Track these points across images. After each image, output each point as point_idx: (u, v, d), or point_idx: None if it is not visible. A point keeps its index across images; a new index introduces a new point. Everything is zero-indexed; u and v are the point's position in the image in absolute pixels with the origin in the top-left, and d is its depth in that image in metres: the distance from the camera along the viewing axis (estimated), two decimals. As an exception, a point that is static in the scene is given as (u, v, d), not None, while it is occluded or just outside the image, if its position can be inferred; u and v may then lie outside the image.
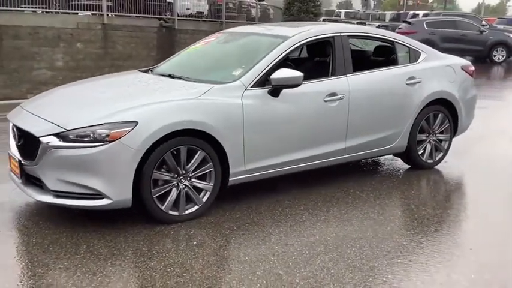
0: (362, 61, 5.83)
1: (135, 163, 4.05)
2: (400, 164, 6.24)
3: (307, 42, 5.19)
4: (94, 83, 5.33)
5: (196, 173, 4.42)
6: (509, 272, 3.74)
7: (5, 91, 12.56)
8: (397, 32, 20.15)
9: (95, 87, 5.10)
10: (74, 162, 4.00)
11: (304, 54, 6.12)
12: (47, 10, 14.16)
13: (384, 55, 5.99)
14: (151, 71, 5.45)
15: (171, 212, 4.32)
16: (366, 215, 4.65)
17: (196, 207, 4.44)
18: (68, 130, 4.05)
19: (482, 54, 20.64)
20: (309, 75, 5.22)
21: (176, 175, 4.32)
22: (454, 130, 6.17)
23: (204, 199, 4.47)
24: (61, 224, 4.29)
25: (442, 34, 19.98)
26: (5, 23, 12.94)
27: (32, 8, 14.27)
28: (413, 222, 4.53)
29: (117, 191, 4.04)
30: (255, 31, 5.64)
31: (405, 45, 5.91)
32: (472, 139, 7.34)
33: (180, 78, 4.94)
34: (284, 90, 4.75)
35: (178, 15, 17.25)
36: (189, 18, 18.37)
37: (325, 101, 5.05)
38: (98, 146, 3.99)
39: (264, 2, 23.83)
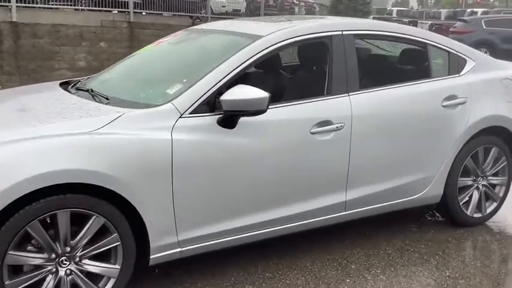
0: (377, 72, 3.91)
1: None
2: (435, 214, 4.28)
3: (288, 44, 3.28)
4: None
5: (91, 251, 2.70)
6: None
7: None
8: (451, 32, 17.69)
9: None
10: None
11: (291, 62, 4.25)
12: (69, 7, 12.82)
13: (412, 63, 4.01)
14: (78, 82, 3.72)
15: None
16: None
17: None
18: None
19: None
20: (290, 94, 3.39)
21: (56, 256, 2.62)
22: (514, 170, 4.12)
23: (106, 290, 2.75)
24: None
25: (503, 34, 16.87)
26: (23, 20, 11.70)
27: (57, 4, 13.01)
28: None
29: None
30: (220, 28, 3.78)
31: (444, 49, 3.89)
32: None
33: (98, 95, 3.20)
34: (244, 119, 2.95)
35: (213, 13, 15.63)
36: (224, 16, 16.63)
37: (312, 132, 3.19)
38: None
39: (309, 0, 21.85)
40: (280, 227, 3.23)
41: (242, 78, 3.09)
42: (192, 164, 2.84)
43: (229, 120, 2.91)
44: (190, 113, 2.88)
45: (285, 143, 3.12)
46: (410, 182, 3.65)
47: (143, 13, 14.04)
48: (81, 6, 13.11)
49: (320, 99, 3.30)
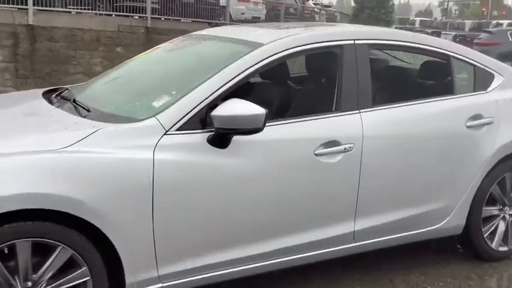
0: (393, 87, 3.49)
1: None
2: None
3: (292, 54, 2.88)
4: None
5: (56, 287, 2.33)
6: None
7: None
8: (475, 43, 17.08)
9: None
10: None
11: (295, 74, 3.85)
12: (87, 11, 12.62)
13: (433, 77, 3.58)
14: (65, 90, 3.37)
15: None
16: None
17: None
18: None
19: None
20: (293, 110, 3.01)
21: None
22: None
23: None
24: None
25: (531, 47, 16.36)
26: (40, 23, 11.53)
27: (75, 8, 12.84)
28: None
29: None
30: (220, 34, 3.40)
31: (469, 63, 3.46)
32: None
33: (80, 106, 2.85)
34: (238, 138, 2.57)
35: (232, 20, 15.33)
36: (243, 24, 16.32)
37: (317, 154, 2.79)
38: None
39: (330, 8, 21.45)
40: (278, 260, 2.83)
41: (238, 91, 2.71)
42: (177, 187, 2.47)
43: (221, 138, 2.54)
44: (176, 130, 2.51)
45: (285, 165, 2.72)
46: (428, 211, 3.22)
47: (162, 19, 13.81)
48: (99, 10, 12.91)
49: (327, 116, 2.90)
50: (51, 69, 11.84)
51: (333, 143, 2.83)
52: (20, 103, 3.13)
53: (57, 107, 2.89)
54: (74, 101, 2.95)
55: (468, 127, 3.27)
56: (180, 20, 14.28)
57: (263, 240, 2.74)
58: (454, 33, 25.34)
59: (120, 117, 2.59)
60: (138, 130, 2.47)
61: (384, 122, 3.01)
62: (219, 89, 2.62)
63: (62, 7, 12.26)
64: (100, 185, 2.30)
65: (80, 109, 2.79)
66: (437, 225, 3.29)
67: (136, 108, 2.70)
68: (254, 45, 2.85)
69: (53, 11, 11.95)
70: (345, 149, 2.85)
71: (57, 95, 3.21)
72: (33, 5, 11.21)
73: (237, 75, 2.68)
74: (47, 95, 3.20)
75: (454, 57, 3.43)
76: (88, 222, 2.29)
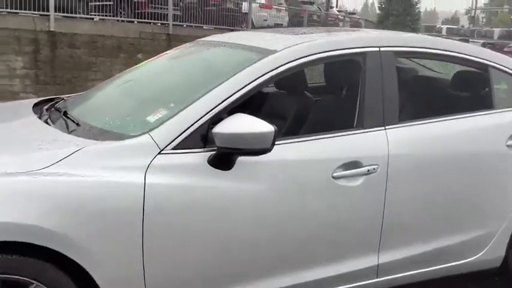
0: (423, 100, 3.10)
1: None
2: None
3: (308, 62, 2.51)
4: None
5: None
6: None
7: (58, 103, 11.00)
8: (505, 51, 16.49)
9: None
10: None
11: (312, 84, 3.46)
12: (108, 18, 12.48)
13: (468, 89, 3.17)
14: (61, 101, 3.06)
15: None
16: None
17: None
18: None
19: None
20: (308, 127, 2.64)
21: None
22: None
23: None
24: None
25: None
26: (61, 29, 11.44)
27: (97, 15, 12.73)
28: None
29: None
30: (230, 40, 3.05)
31: (510, 73, 3.08)
32: None
33: (70, 120, 2.53)
34: (244, 158, 2.21)
35: (253, 26, 15.06)
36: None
37: (335, 177, 2.42)
38: None
39: (355, 16, 21.02)
40: (290, 297, 2.45)
41: (247, 103, 2.36)
42: (172, 216, 2.12)
43: (223, 159, 2.18)
44: (173, 148, 2.17)
45: (299, 190, 2.35)
46: (462, 242, 2.80)
47: (184, 25, 13.62)
48: (121, 17, 12.77)
49: (347, 133, 2.52)
50: (72, 76, 11.69)
51: (354, 164, 2.45)
52: (4, 115, 2.82)
53: (45, 120, 2.57)
54: (65, 113, 2.62)
55: (509, 146, 2.85)
56: (202, 27, 14.05)
57: (272, 276, 2.37)
58: (482, 41, 24.63)
59: (110, 134, 2.26)
60: (129, 149, 2.13)
61: (412, 141, 2.62)
62: (223, 101, 2.27)
63: (84, 14, 12.16)
64: (80, 213, 1.97)
65: (69, 123, 2.47)
66: (472, 258, 2.87)
67: (130, 123, 2.36)
68: (266, 52, 2.49)
69: (74, 17, 11.85)
70: (368, 170, 2.47)
71: (50, 106, 2.89)
72: (55, 11, 11.11)
73: (244, 86, 2.33)
74: (40, 106, 2.89)
75: (492, 66, 3.01)
76: (67, 256, 1.96)
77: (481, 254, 2.88)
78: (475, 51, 3.02)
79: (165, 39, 13.05)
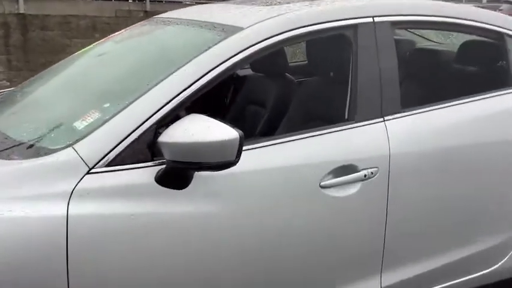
0: (430, 81, 2.54)
1: None
2: None
3: (283, 40, 1.92)
4: None
5: None
6: None
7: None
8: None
9: None
10: None
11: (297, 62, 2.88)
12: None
13: (480, 64, 2.62)
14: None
15: None
16: None
17: None
18: None
19: None
20: (286, 124, 2.08)
21: None
22: None
23: None
24: None
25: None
26: (31, 11, 10.83)
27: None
28: None
29: None
30: (188, 17, 2.42)
31: (531, 42, 2.51)
32: None
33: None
34: (201, 173, 1.66)
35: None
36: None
37: (323, 186, 1.87)
38: None
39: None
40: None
41: (203, 100, 1.79)
42: (108, 258, 1.58)
43: (175, 176, 1.63)
44: (107, 165, 1.61)
45: (277, 208, 1.81)
46: (480, 251, 2.29)
47: (163, 1, 12.87)
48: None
49: (337, 129, 1.96)
50: (46, 60, 11.06)
51: (346, 168, 1.90)
52: None
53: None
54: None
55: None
56: (181, 2, 13.32)
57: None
58: (470, 4, 23.92)
59: (26, 148, 1.69)
60: (46, 169, 1.57)
61: (419, 134, 2.07)
62: (174, 97, 1.71)
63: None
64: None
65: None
66: (492, 268, 2.36)
67: (53, 132, 1.79)
68: (230, 31, 1.92)
69: (42, -3, 11.20)
70: (364, 176, 1.93)
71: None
72: (24, -8, 10.51)
73: (202, 76, 1.77)
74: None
75: (509, 34, 2.44)
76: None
77: (501, 262, 2.37)
78: (489, 17, 2.44)
79: (143, 17, 12.32)
